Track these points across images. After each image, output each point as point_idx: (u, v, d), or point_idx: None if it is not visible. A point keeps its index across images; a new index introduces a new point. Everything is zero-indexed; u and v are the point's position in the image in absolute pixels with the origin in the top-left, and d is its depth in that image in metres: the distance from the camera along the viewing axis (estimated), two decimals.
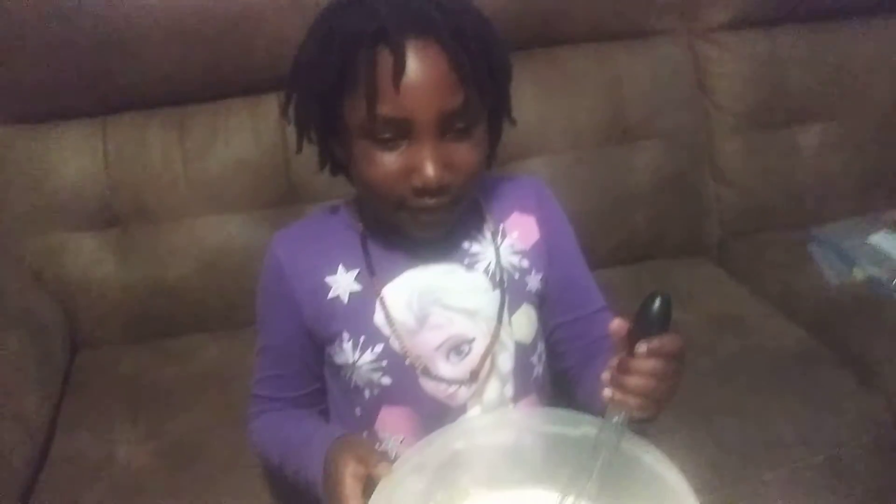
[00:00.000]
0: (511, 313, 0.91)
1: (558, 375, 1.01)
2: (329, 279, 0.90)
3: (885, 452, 1.23)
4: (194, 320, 1.48)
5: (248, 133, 1.47)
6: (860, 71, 1.70)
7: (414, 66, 0.75)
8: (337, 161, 0.89)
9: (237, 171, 1.46)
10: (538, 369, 0.96)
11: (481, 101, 0.81)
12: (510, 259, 0.92)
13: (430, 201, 0.81)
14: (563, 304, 0.96)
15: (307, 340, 0.92)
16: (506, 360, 0.91)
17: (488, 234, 0.93)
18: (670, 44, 1.63)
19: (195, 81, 1.46)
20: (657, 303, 0.71)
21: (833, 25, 1.68)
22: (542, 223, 0.95)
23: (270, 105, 1.47)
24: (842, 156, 1.70)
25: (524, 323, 0.93)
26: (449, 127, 0.78)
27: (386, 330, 0.88)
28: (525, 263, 0.93)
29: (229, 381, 1.31)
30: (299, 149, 0.88)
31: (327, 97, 0.80)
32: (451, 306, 0.89)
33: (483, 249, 0.92)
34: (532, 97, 1.54)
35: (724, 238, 1.68)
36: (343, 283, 0.89)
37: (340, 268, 0.90)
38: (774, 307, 1.46)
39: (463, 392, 0.89)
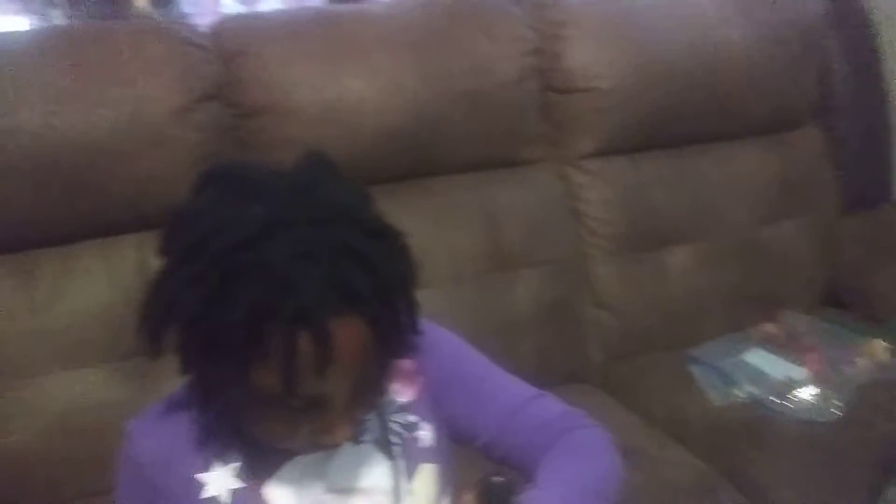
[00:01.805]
0: (410, 479, 0.83)
1: None
2: (202, 476, 0.79)
3: None
4: (43, 492, 1.30)
5: (103, 278, 1.35)
6: (717, 193, 1.78)
7: (336, 345, 0.65)
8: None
9: (91, 320, 1.33)
10: None
11: (402, 345, 0.74)
12: (395, 419, 0.85)
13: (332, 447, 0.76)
14: (482, 423, 0.89)
15: None
16: None
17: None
18: (542, 172, 1.66)
19: (46, 222, 1.34)
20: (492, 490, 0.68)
21: (691, 151, 1.77)
22: (427, 366, 0.87)
23: (128, 246, 1.36)
24: (708, 276, 1.75)
25: (426, 485, 0.85)
26: (364, 390, 0.73)
27: None
28: (412, 418, 0.85)
29: None
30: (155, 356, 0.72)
31: (224, 360, 0.68)
32: (343, 489, 0.81)
33: (369, 416, 0.84)
34: (409, 229, 1.49)
35: (606, 363, 1.67)
36: (220, 480, 0.79)
37: (215, 462, 0.79)
38: (666, 435, 1.45)
39: None
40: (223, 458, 0.79)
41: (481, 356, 0.93)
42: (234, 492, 0.78)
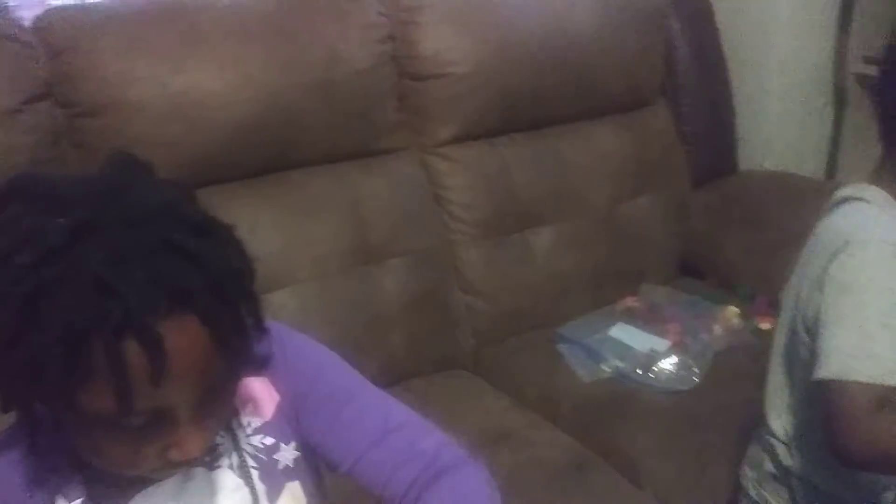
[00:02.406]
0: (272, 502, 0.78)
1: None
2: None
3: None
4: None
5: None
6: (576, 173, 1.81)
7: (170, 350, 0.59)
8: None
9: None
10: None
11: (244, 347, 0.68)
12: (251, 441, 0.78)
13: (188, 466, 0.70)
14: (343, 448, 0.81)
15: None
16: None
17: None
18: (403, 161, 1.64)
19: None
20: None
21: (549, 133, 1.80)
22: (282, 380, 0.80)
23: None
24: (572, 254, 1.78)
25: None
26: (211, 397, 0.66)
27: None
28: (268, 440, 0.79)
29: None
30: None
31: (46, 385, 0.60)
32: None
33: (223, 440, 0.78)
34: (269, 225, 1.46)
35: (478, 347, 1.68)
36: None
37: (60, 501, 0.73)
38: (537, 414, 1.47)
39: None
40: (68, 496, 0.72)
41: (348, 372, 0.84)
42: None
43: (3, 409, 0.65)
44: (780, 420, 1.13)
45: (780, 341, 1.14)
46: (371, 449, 0.79)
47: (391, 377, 1.54)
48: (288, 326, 0.82)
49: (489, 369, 1.64)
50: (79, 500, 0.72)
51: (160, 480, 0.73)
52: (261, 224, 1.45)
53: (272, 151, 1.49)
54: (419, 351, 1.60)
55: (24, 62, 1.29)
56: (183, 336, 0.60)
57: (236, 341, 0.65)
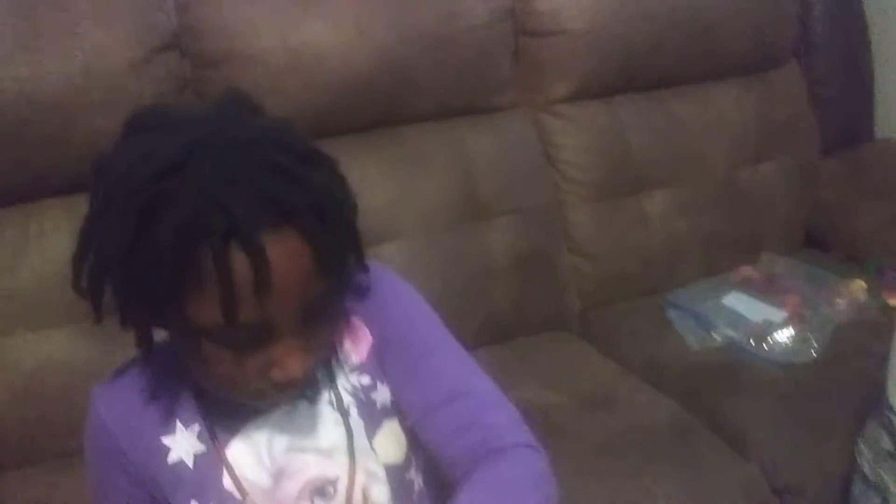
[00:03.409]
0: (371, 438, 0.80)
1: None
2: (167, 440, 0.77)
3: None
4: (13, 455, 1.29)
5: (65, 236, 1.31)
6: (695, 136, 1.75)
7: (275, 265, 0.62)
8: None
9: (53, 280, 1.29)
10: (418, 481, 0.85)
11: (344, 273, 0.71)
12: (349, 380, 0.81)
13: (292, 392, 0.73)
14: (413, 400, 0.80)
15: None
16: (380, 491, 0.80)
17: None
18: (515, 118, 1.62)
19: (2, 181, 1.30)
20: None
21: (667, 94, 1.74)
22: (374, 321, 0.81)
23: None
24: (687, 219, 1.73)
25: (390, 442, 0.82)
26: (312, 316, 0.68)
27: (238, 494, 0.76)
28: (365, 380, 0.81)
29: None
30: (98, 320, 0.69)
31: (157, 295, 0.64)
32: (302, 448, 0.78)
33: (322, 376, 0.80)
34: (380, 179, 1.48)
35: (584, 310, 1.66)
36: (184, 443, 0.77)
37: (179, 425, 0.77)
38: (642, 380, 1.44)
39: None
40: (185, 420, 0.77)
41: (438, 327, 0.83)
42: (197, 456, 0.76)
43: (121, 324, 0.68)
44: None
45: None
46: (439, 408, 0.78)
47: (494, 335, 1.55)
48: (391, 270, 0.83)
49: (594, 333, 1.62)
50: (196, 426, 0.77)
51: (267, 411, 0.77)
52: (370, 178, 1.47)
53: (384, 106, 1.51)
54: (524, 310, 1.59)
55: (153, 14, 1.35)
56: (285, 251, 0.63)
57: (336, 264, 0.68)
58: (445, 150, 1.55)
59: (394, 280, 0.84)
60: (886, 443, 1.10)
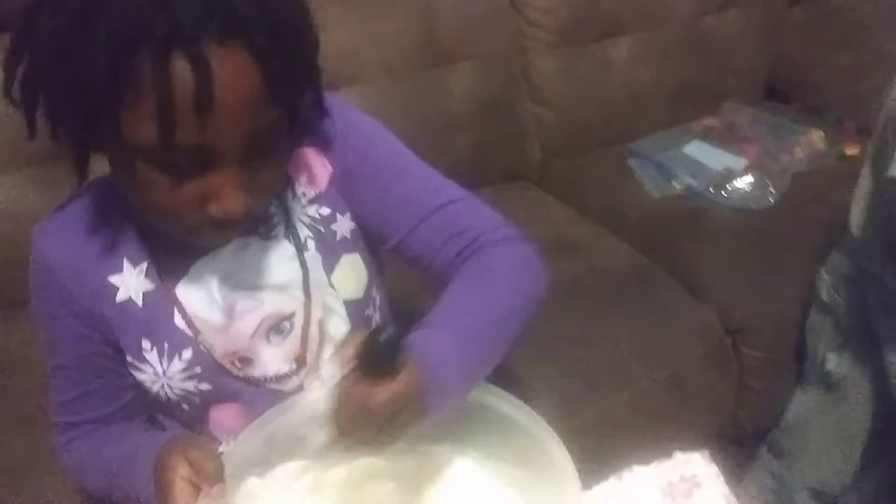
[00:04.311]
0: (329, 272, 0.78)
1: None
2: (114, 278, 0.74)
3: (720, 362, 1.25)
4: None
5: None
6: None
7: (220, 82, 0.57)
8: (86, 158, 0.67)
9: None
10: (376, 318, 0.84)
11: (297, 106, 0.66)
12: (306, 212, 0.78)
13: (229, 230, 0.69)
14: (394, 222, 0.79)
15: (105, 348, 0.76)
16: (338, 326, 0.79)
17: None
18: None
19: None
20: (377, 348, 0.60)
21: None
22: (335, 151, 0.77)
23: None
24: (651, 68, 1.69)
25: (349, 277, 0.80)
26: (256, 149, 0.62)
27: (192, 331, 0.75)
28: (324, 211, 0.78)
29: (17, 372, 1.12)
30: (32, 135, 0.64)
31: (92, 99, 0.58)
32: (256, 285, 0.76)
33: (277, 210, 0.78)
34: (338, 24, 1.40)
35: (545, 160, 1.64)
36: (132, 281, 0.74)
37: (126, 263, 0.74)
38: (602, 227, 1.44)
39: (296, 374, 0.78)
40: (131, 258, 0.74)
41: (402, 149, 0.81)
42: (146, 294, 0.74)
43: (51, 137, 0.63)
44: (857, 218, 1.11)
45: (870, 150, 1.08)
46: (422, 222, 0.77)
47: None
48: (340, 97, 0.79)
49: (556, 182, 1.61)
50: (144, 264, 0.74)
51: (217, 248, 0.74)
52: (328, 20, 1.36)
53: None
54: (485, 160, 1.57)
55: None
56: (232, 67, 0.58)
57: (288, 92, 0.63)
58: None
59: (351, 110, 0.80)
60: (846, 267, 1.14)
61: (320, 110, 0.72)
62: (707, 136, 1.62)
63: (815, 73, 1.79)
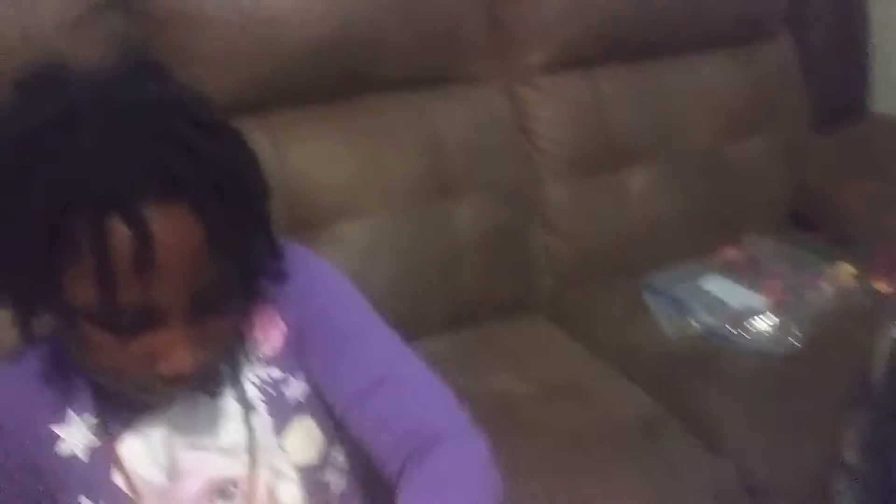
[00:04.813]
0: (280, 436, 0.74)
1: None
2: (58, 429, 0.70)
3: None
4: None
5: None
6: (679, 110, 1.67)
7: (160, 241, 0.56)
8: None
9: None
10: (338, 482, 0.78)
11: (241, 260, 0.64)
12: (257, 373, 0.74)
13: (180, 387, 0.65)
14: (338, 393, 0.75)
15: None
16: (291, 493, 0.74)
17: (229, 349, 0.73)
18: (487, 89, 1.53)
19: None
20: None
21: (651, 65, 1.65)
22: (293, 308, 0.75)
23: None
24: (668, 197, 1.65)
25: (302, 441, 0.75)
26: (204, 304, 0.61)
27: (133, 492, 0.70)
28: (276, 373, 0.74)
29: None
30: None
31: (30, 267, 0.58)
32: (202, 446, 0.72)
33: (228, 368, 0.74)
34: (341, 153, 1.39)
35: (556, 292, 1.58)
36: (77, 435, 0.70)
37: (71, 415, 0.71)
38: (614, 368, 1.37)
39: None
40: (78, 410, 0.71)
41: (364, 310, 0.77)
42: (89, 450, 0.71)
43: (17, 326, 0.64)
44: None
45: None
46: (366, 396, 0.72)
47: (461, 319, 1.47)
48: (310, 252, 0.77)
49: (567, 315, 1.54)
50: (88, 417, 0.71)
51: (164, 406, 0.71)
52: (330, 151, 1.38)
53: (347, 74, 1.41)
54: (493, 292, 1.51)
55: None
56: (172, 227, 0.57)
57: (233, 247, 0.61)
58: (412, 121, 1.46)
59: (316, 262, 0.78)
60: (871, 428, 1.05)
61: (275, 256, 0.70)
62: (727, 270, 1.55)
63: (843, 202, 1.73)
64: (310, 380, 0.75)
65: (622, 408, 1.26)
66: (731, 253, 1.61)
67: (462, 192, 1.48)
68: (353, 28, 1.38)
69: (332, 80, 1.40)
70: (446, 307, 1.44)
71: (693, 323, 1.43)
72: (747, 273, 1.53)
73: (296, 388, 0.75)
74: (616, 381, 1.33)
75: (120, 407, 0.70)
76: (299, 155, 1.35)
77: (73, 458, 0.70)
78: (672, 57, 1.67)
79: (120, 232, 0.55)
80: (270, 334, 0.75)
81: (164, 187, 0.56)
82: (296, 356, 0.75)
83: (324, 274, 0.77)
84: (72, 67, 0.64)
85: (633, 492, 1.11)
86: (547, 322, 1.54)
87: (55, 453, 0.70)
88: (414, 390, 0.74)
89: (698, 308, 1.45)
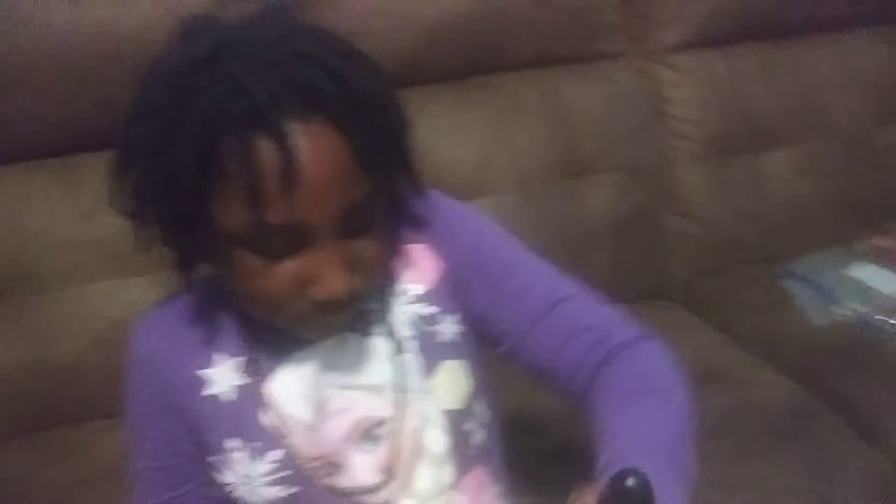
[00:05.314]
0: (429, 377, 0.73)
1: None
2: (208, 371, 0.72)
3: None
4: (90, 406, 1.26)
5: None
6: (824, 90, 1.58)
7: (305, 156, 0.57)
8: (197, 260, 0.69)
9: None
10: (479, 435, 0.77)
11: (386, 182, 0.65)
12: (410, 310, 0.74)
13: (335, 314, 0.65)
14: (508, 321, 0.75)
15: (194, 449, 0.73)
16: (435, 438, 0.73)
17: (380, 284, 0.73)
18: (621, 68, 1.49)
19: (87, 124, 1.27)
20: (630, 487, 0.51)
21: (793, 43, 1.57)
22: (444, 246, 0.75)
23: None
24: (812, 182, 1.57)
25: (451, 384, 0.74)
26: (353, 224, 0.62)
27: (281, 431, 0.70)
28: (432, 309, 0.74)
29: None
30: (144, 245, 0.66)
31: (184, 195, 0.60)
32: (350, 385, 0.71)
33: (379, 305, 0.73)
34: (471, 132, 1.38)
35: (691, 278, 1.52)
36: (226, 375, 0.71)
37: (222, 357, 0.72)
38: (756, 355, 1.30)
39: (386, 486, 0.72)
40: (228, 351, 0.72)
41: (512, 242, 0.78)
42: (239, 388, 0.71)
43: (161, 242, 0.65)
44: None
45: None
46: (537, 322, 0.73)
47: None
48: (449, 196, 0.76)
49: (703, 303, 1.48)
50: (238, 356, 0.72)
51: (315, 344, 0.70)
52: (462, 129, 1.38)
53: (477, 52, 1.41)
54: (625, 277, 1.47)
55: None
56: (317, 141, 0.58)
57: (379, 164, 0.61)
58: (544, 101, 1.43)
59: (451, 202, 0.77)
60: None
61: (417, 195, 0.70)
62: (877, 257, 1.46)
63: None
64: (466, 318, 0.75)
65: (770, 395, 1.20)
66: (879, 240, 1.51)
67: (593, 174, 1.44)
68: (485, 7, 1.37)
69: (464, 58, 1.40)
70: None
71: (841, 311, 1.35)
72: None
73: (449, 327, 0.74)
74: (761, 369, 1.27)
75: (270, 344, 0.71)
76: (430, 132, 1.33)
77: (222, 397, 0.71)
78: (816, 34, 1.59)
79: (265, 148, 0.56)
80: (425, 271, 0.74)
81: (305, 101, 0.57)
82: (451, 293, 0.74)
83: (466, 213, 0.78)
84: (217, 16, 0.66)
85: (784, 477, 1.05)
86: (681, 309, 1.48)
87: (202, 396, 0.71)
88: (587, 307, 0.75)
89: (846, 296, 1.37)
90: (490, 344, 0.76)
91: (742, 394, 1.20)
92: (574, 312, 0.74)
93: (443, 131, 1.35)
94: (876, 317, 1.31)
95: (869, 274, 1.42)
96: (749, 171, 1.53)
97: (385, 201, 0.65)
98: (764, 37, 1.56)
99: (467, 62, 1.40)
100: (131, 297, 1.27)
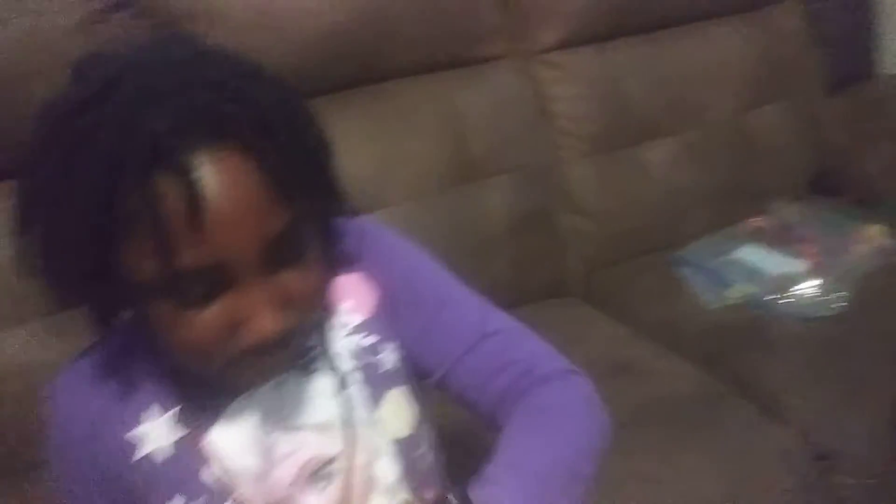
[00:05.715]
0: (376, 408, 0.70)
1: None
2: (139, 430, 0.65)
3: (812, 490, 1.12)
4: None
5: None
6: (696, 80, 1.64)
7: (213, 189, 0.52)
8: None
9: (11, 271, 1.16)
10: (429, 458, 0.76)
11: (311, 207, 0.59)
12: (351, 341, 0.71)
13: (271, 356, 0.60)
14: (438, 353, 0.74)
15: None
16: (387, 468, 0.70)
17: (317, 317, 0.69)
18: (505, 70, 1.49)
19: None
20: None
21: (666, 35, 1.62)
22: (378, 275, 0.72)
23: None
24: (690, 169, 1.62)
25: (398, 412, 0.72)
26: (277, 257, 0.57)
27: (227, 485, 0.66)
28: (371, 339, 0.71)
29: None
30: (60, 306, 0.61)
31: (89, 246, 0.54)
32: (296, 426, 0.67)
33: (318, 340, 0.70)
34: (362, 142, 1.35)
35: (588, 272, 1.55)
36: (160, 432, 0.65)
37: (154, 411, 0.66)
38: (658, 345, 1.33)
39: None
40: (159, 406, 0.66)
41: (443, 273, 0.77)
42: (175, 443, 0.65)
43: (59, 306, 0.60)
44: None
45: None
46: (465, 355, 0.72)
47: (496, 305, 1.43)
48: (383, 225, 0.75)
49: (601, 296, 1.51)
50: (171, 411, 0.66)
51: (254, 386, 0.66)
52: (352, 141, 1.33)
53: (362, 62, 1.37)
54: (525, 276, 1.48)
55: None
56: (224, 171, 0.52)
57: (297, 188, 0.56)
58: (432, 106, 1.42)
59: (383, 231, 0.76)
60: None
61: (347, 218, 0.67)
62: (759, 238, 1.52)
63: (864, 164, 1.71)
64: (400, 347, 0.73)
65: (676, 384, 1.23)
66: (759, 221, 1.59)
67: (487, 176, 1.44)
68: (367, 17, 1.33)
69: (349, 68, 1.36)
70: (483, 298, 1.40)
71: (732, 293, 1.40)
72: (780, 240, 1.51)
73: (390, 354, 0.72)
74: (664, 358, 1.30)
75: (205, 396, 0.66)
76: None
77: (157, 457, 0.65)
78: (684, 26, 1.63)
79: (168, 185, 0.51)
80: (361, 299, 0.71)
81: (209, 130, 0.52)
82: (388, 321, 0.72)
83: (399, 242, 0.76)
84: (108, 52, 0.60)
85: (699, 467, 1.07)
86: (582, 304, 1.51)
87: (138, 456, 0.65)
88: (514, 341, 0.75)
89: (736, 278, 1.43)
90: (420, 374, 0.74)
91: (651, 384, 1.23)
92: (501, 346, 0.74)
93: (333, 145, 1.31)
94: (764, 298, 1.36)
95: (753, 255, 1.48)
96: (633, 164, 1.57)
97: (312, 228, 0.60)
98: (636, 31, 1.59)
99: (352, 72, 1.37)
100: (7, 350, 1.17)
